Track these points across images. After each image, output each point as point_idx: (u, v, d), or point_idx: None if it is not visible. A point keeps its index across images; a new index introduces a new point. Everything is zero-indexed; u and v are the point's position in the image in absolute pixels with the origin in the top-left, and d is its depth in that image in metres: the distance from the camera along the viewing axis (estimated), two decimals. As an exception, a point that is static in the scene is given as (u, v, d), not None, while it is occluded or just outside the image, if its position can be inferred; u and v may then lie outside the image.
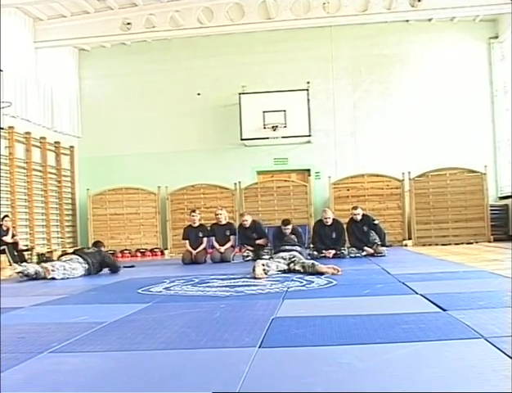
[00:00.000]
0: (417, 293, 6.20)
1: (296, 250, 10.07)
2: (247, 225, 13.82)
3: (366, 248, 13.31)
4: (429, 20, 18.94)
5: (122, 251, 18.93)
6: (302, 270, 9.26)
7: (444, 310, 4.98)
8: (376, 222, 13.75)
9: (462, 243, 17.55)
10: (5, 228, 15.03)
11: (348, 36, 19.39)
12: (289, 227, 13.42)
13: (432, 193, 18.41)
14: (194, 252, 13.89)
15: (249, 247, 13.79)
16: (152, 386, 3.06)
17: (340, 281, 7.97)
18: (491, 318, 4.49)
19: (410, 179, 18.42)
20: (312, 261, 9.53)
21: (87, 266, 10.93)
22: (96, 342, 4.30)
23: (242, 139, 19.00)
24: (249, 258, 13.43)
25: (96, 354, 3.93)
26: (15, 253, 14.80)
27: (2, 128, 15.87)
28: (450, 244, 17.59)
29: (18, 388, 3.12)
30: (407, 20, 19.00)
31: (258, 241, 13.75)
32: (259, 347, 3.86)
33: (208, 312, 5.55)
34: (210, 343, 4.09)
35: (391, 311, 5.15)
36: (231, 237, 14.09)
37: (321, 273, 8.77)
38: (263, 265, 8.98)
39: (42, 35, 18.15)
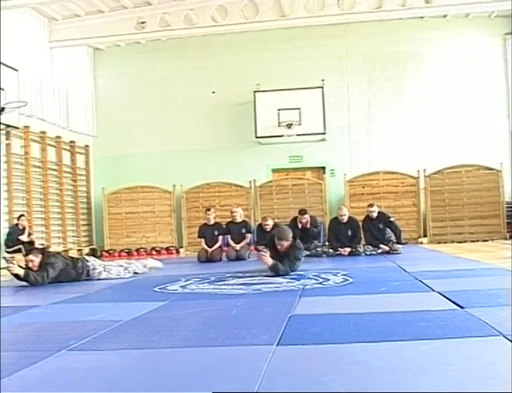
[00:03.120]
0: (434, 290, 6.17)
1: None
2: (268, 229, 13.79)
3: (381, 246, 13.24)
4: (444, 16, 18.86)
5: (137, 250, 18.97)
6: None
7: (462, 308, 4.96)
8: (392, 219, 13.69)
9: (478, 240, 17.45)
10: (21, 227, 15.13)
11: (363, 33, 19.32)
12: (306, 216, 13.56)
13: (447, 190, 18.32)
14: (209, 250, 13.88)
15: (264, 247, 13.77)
16: (171, 384, 3.06)
17: (356, 278, 7.96)
18: (509, 316, 4.46)
19: (425, 176, 18.34)
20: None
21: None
22: (113, 340, 4.31)
23: (257, 137, 18.98)
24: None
25: (113, 352, 3.94)
26: (31, 252, 14.87)
27: (18, 128, 15.95)
28: (465, 241, 17.49)
29: (37, 386, 3.14)
30: (422, 17, 18.89)
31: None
32: (277, 345, 3.86)
33: (225, 310, 5.56)
34: (228, 341, 4.10)
35: (408, 309, 5.13)
36: (247, 234, 14.08)
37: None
38: None
39: (57, 35, 18.21)
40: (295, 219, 13.93)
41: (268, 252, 8.76)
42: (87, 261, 10.03)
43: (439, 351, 3.56)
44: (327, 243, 13.83)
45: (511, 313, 4.56)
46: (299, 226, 13.62)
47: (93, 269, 9.84)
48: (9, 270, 9.28)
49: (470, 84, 18.90)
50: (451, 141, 18.60)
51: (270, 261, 8.58)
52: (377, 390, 2.79)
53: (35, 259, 9.31)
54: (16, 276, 9.28)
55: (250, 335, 4.26)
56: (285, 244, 8.79)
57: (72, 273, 9.59)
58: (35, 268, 9.25)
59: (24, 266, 9.43)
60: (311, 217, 13.87)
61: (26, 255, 9.55)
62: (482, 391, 2.70)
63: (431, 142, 18.74)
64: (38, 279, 9.07)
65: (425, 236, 18.21)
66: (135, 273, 10.20)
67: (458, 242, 17.39)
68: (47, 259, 9.43)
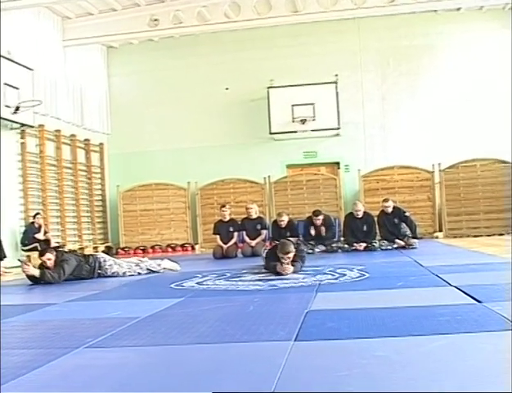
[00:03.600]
0: (451, 285, 6.14)
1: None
2: (283, 225, 13.76)
3: (397, 240, 13.22)
4: (458, 9, 18.76)
5: (153, 247, 19.01)
6: None
7: (479, 302, 4.93)
8: (407, 214, 13.66)
9: (494, 235, 17.36)
10: (37, 226, 15.21)
11: (376, 28, 19.25)
12: (320, 217, 13.52)
13: (462, 185, 18.25)
14: (225, 247, 13.88)
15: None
16: (188, 381, 3.06)
17: (373, 273, 7.95)
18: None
19: (440, 171, 18.28)
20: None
21: None
22: (131, 337, 4.32)
23: (271, 133, 18.98)
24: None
25: (131, 348, 3.94)
26: (48, 250, 14.94)
27: (33, 127, 16.01)
28: (481, 235, 17.40)
29: (56, 383, 3.14)
30: (435, 10, 18.83)
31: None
32: (295, 340, 3.85)
33: (242, 306, 5.55)
34: (245, 337, 4.09)
35: (426, 303, 5.12)
36: (262, 231, 14.07)
37: None
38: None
39: (71, 34, 18.28)
40: (310, 218, 13.89)
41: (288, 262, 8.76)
42: (97, 256, 10.18)
43: (457, 346, 3.55)
44: (342, 239, 13.84)
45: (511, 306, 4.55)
46: (312, 232, 13.58)
47: (104, 261, 9.92)
48: (24, 271, 9.30)
49: (484, 78, 18.78)
50: (465, 135, 18.49)
51: (291, 269, 8.61)
52: (396, 384, 2.77)
53: (52, 257, 9.35)
54: (31, 277, 9.32)
55: (268, 331, 4.25)
56: (291, 255, 8.79)
57: (86, 267, 9.68)
58: (51, 267, 9.29)
59: (38, 266, 9.49)
60: (324, 217, 13.79)
61: (41, 255, 9.57)
62: (501, 389, 2.67)
63: (446, 136, 18.65)
64: (55, 276, 9.11)
65: (441, 230, 18.17)
66: (148, 270, 10.20)
67: (474, 236, 17.32)
68: (61, 256, 9.51)
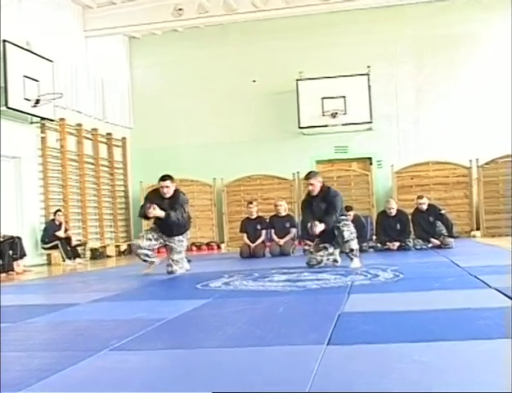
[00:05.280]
0: (491, 287, 5.93)
1: None
2: None
3: (432, 240, 13.08)
4: (501, -5, 18.40)
5: (177, 245, 18.84)
6: None
7: (521, 305, 4.73)
8: (443, 212, 13.53)
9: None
10: (57, 223, 15.18)
11: (411, 16, 18.87)
12: (351, 213, 13.33)
13: (502, 181, 17.93)
14: (252, 245, 13.64)
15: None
16: (217, 385, 2.91)
17: (407, 274, 7.76)
18: None
19: (478, 166, 18.03)
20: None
21: None
22: (156, 339, 4.24)
23: (300, 127, 18.83)
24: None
25: (157, 351, 3.84)
26: (68, 248, 14.92)
27: (54, 120, 15.94)
28: (521, 235, 17.05)
29: (79, 386, 3.07)
30: (476, -3, 18.52)
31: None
32: (327, 344, 3.68)
33: (271, 307, 5.42)
34: (276, 340, 3.96)
35: (464, 306, 4.94)
36: (291, 229, 13.82)
37: None
38: None
39: (92, 24, 18.17)
40: None
41: (316, 223, 8.96)
42: None
43: (499, 351, 3.34)
44: (375, 237, 13.64)
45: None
46: None
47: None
48: (148, 213, 9.30)
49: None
50: (505, 129, 17.93)
51: (320, 227, 8.89)
52: (437, 390, 2.63)
53: (171, 186, 9.60)
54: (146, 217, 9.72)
55: (299, 334, 4.16)
56: (315, 183, 9.12)
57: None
58: (168, 195, 9.52)
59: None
60: (354, 216, 13.60)
61: (162, 180, 9.68)
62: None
63: (484, 130, 18.26)
64: (179, 217, 9.43)
65: (478, 229, 17.93)
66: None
67: (513, 235, 16.95)
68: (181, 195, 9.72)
